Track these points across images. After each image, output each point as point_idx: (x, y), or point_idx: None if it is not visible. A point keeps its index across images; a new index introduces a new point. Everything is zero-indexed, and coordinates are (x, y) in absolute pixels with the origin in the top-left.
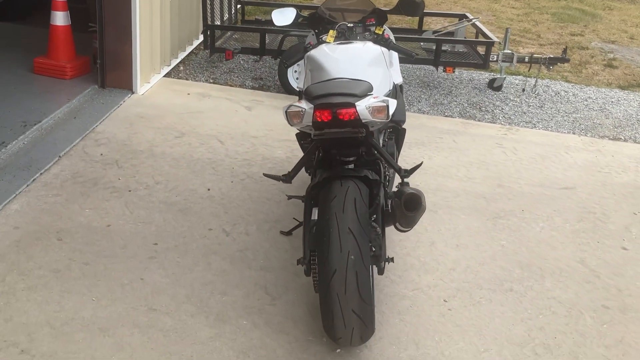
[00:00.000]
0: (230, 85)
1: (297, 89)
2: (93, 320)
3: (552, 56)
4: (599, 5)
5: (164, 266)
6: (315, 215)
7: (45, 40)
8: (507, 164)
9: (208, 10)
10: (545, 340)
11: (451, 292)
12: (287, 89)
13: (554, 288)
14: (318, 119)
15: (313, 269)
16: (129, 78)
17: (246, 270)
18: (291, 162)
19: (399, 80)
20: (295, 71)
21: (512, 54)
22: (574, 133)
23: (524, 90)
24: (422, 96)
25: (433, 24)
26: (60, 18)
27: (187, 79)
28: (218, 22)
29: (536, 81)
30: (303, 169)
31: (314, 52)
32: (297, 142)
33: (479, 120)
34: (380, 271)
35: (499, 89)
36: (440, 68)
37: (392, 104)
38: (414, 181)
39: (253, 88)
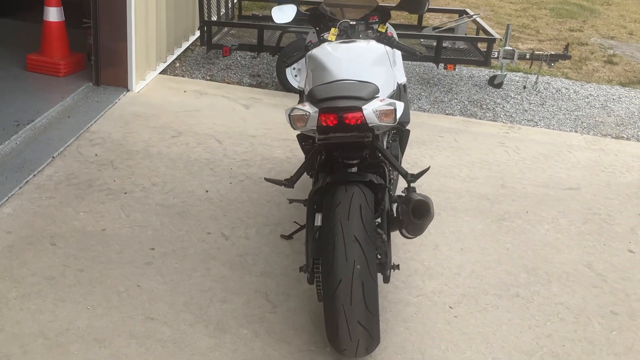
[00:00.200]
0: (228, 83)
1: (298, 88)
2: (88, 331)
3: (553, 53)
4: (597, 0)
5: (161, 272)
6: (318, 221)
7: (38, 37)
8: (509, 163)
9: (205, 5)
10: (554, 348)
11: (457, 298)
12: (285, 86)
13: (561, 293)
14: (323, 123)
15: (316, 277)
16: (124, 75)
17: (246, 276)
18: (291, 162)
19: (402, 79)
20: (294, 68)
21: (513, 50)
22: (576, 131)
23: (524, 87)
24: (423, 94)
25: (432, 20)
26: (53, 14)
27: (183, 76)
28: (215, 18)
29: (537, 78)
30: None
31: (315, 51)
32: (296, 142)
33: (480, 118)
34: (386, 279)
35: (499, 86)
36: (441, 65)
37: (400, 106)
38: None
39: (251, 85)
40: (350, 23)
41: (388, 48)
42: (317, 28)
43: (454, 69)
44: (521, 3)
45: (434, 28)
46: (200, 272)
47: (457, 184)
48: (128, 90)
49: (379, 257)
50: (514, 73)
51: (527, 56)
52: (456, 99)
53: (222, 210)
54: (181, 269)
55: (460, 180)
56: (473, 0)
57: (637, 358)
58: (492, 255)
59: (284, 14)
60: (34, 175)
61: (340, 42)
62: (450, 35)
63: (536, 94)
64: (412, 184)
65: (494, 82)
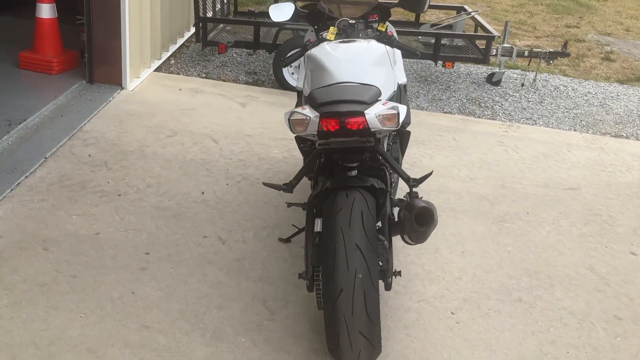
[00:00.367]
0: (224, 80)
1: (296, 87)
2: (81, 340)
3: (552, 50)
4: None
5: (156, 278)
6: (318, 226)
7: (30, 33)
8: (509, 163)
9: (200, 1)
10: (558, 355)
11: (458, 304)
12: (282, 84)
13: (564, 297)
14: (324, 128)
15: (316, 285)
16: (118, 73)
17: (244, 281)
18: (288, 162)
19: (403, 80)
20: (291, 66)
21: (512, 48)
22: (575, 130)
23: (523, 85)
24: (421, 92)
25: (429, 16)
26: (46, 10)
27: (178, 74)
28: (210, 14)
29: (535, 75)
30: None
31: (314, 51)
32: (294, 142)
33: (478, 117)
34: (388, 287)
35: (497, 83)
36: (439, 63)
37: (402, 110)
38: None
39: (247, 83)
40: (350, 21)
41: (388, 48)
42: (316, 26)
43: (453, 67)
44: None
45: (432, 25)
46: (196, 278)
47: (457, 184)
48: (122, 88)
49: (381, 264)
50: (511, 70)
51: (526, 53)
52: (454, 96)
53: (218, 212)
54: (177, 274)
55: (460, 181)
56: None
57: None
58: (494, 258)
59: (281, 12)
60: (26, 176)
61: (339, 42)
62: (449, 32)
63: (534, 92)
64: (414, 189)
65: (492, 80)
